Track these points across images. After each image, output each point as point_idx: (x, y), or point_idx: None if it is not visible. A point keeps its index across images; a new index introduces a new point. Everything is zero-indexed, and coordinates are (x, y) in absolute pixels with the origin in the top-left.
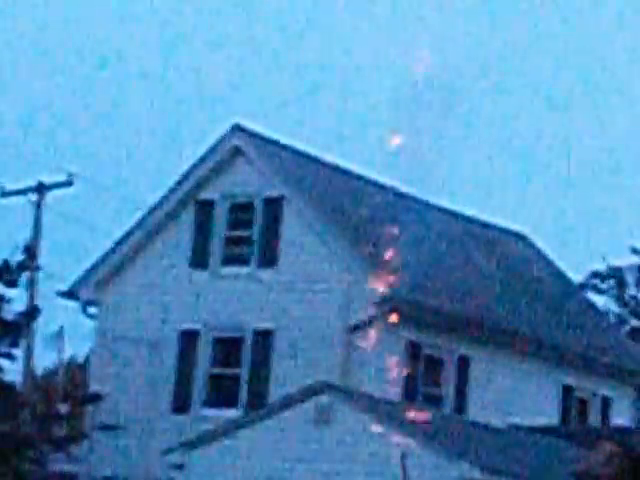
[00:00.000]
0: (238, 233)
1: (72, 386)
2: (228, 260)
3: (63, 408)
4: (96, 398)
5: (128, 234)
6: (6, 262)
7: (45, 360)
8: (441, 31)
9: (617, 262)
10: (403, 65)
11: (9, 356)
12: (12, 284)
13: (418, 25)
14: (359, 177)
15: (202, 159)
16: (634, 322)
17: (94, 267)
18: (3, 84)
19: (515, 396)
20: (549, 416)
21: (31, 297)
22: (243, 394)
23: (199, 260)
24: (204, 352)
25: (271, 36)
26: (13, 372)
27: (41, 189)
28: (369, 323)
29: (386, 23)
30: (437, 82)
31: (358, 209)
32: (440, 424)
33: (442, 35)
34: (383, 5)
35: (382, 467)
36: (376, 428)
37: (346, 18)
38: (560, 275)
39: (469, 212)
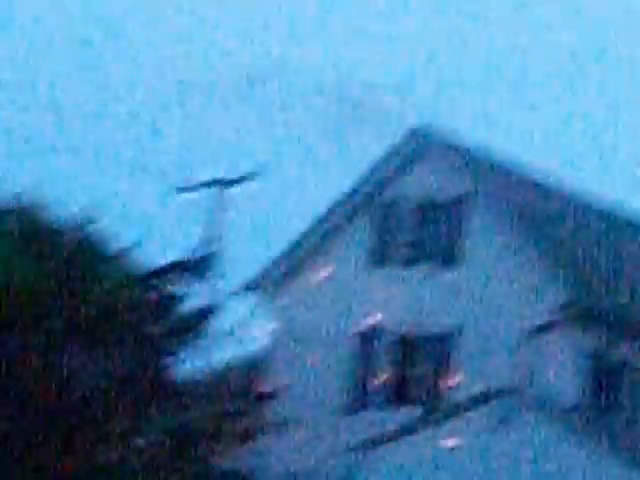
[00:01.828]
0: (419, 233)
1: (248, 383)
2: (410, 260)
3: (239, 405)
4: (272, 395)
5: (308, 233)
6: (186, 259)
7: (221, 357)
8: None
9: None
10: None
11: (187, 352)
12: (192, 281)
13: None
14: (543, 177)
15: (383, 160)
16: None
17: (274, 264)
18: None
19: None
20: None
21: (209, 294)
22: (422, 395)
23: (380, 260)
24: (382, 353)
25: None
26: (189, 368)
27: (222, 184)
28: (551, 327)
29: None
30: None
31: (541, 211)
32: (620, 432)
33: None
34: None
35: (563, 472)
36: (558, 435)
37: None
38: None
39: None
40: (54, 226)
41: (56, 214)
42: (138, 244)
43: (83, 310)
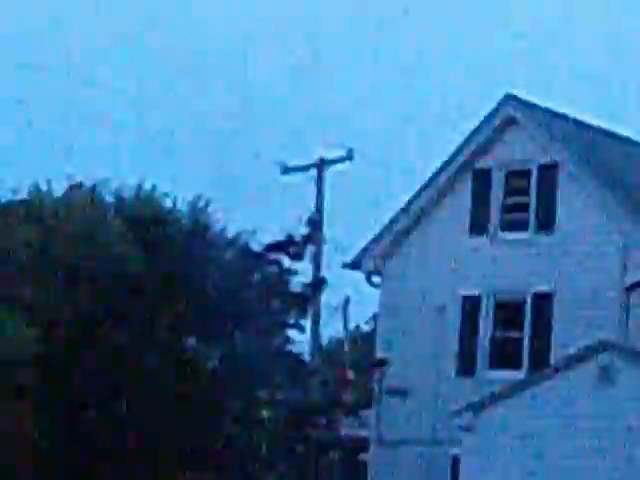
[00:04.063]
0: (515, 200)
1: (358, 354)
2: (506, 226)
3: (350, 375)
4: (382, 363)
5: (408, 204)
6: (291, 236)
7: (330, 330)
8: None
9: None
10: None
11: (298, 327)
12: (298, 257)
13: None
14: (631, 141)
15: (477, 129)
16: None
17: (376, 238)
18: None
19: None
20: None
21: (317, 269)
22: (525, 356)
23: (478, 227)
24: (486, 316)
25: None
26: (300, 342)
27: (322, 164)
28: None
29: None
30: None
31: (631, 172)
32: None
33: None
34: None
35: None
36: None
37: None
38: None
39: None
40: (166, 216)
41: (166, 204)
42: (250, 228)
43: (202, 294)
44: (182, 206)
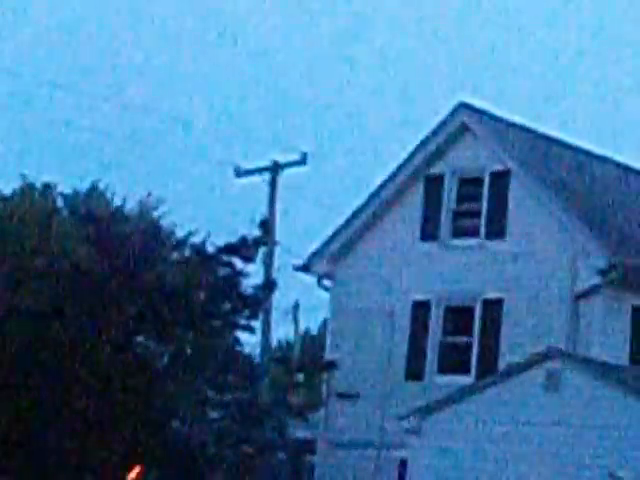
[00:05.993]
0: (466, 206)
1: (308, 356)
2: (457, 232)
3: (300, 377)
4: (331, 366)
5: (360, 209)
6: (244, 238)
7: (280, 332)
8: None
9: None
10: None
11: (249, 329)
12: (249, 259)
13: None
14: (582, 151)
15: (431, 136)
16: None
17: (328, 241)
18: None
19: None
20: None
21: (268, 271)
22: (474, 361)
23: (429, 232)
24: (436, 321)
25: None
26: (251, 344)
27: (275, 168)
28: (594, 291)
29: None
30: None
31: (581, 181)
32: None
33: None
34: None
35: (612, 432)
36: (606, 393)
37: None
38: None
39: None
40: (116, 213)
41: (118, 201)
42: (200, 228)
43: (152, 293)
44: (133, 205)
